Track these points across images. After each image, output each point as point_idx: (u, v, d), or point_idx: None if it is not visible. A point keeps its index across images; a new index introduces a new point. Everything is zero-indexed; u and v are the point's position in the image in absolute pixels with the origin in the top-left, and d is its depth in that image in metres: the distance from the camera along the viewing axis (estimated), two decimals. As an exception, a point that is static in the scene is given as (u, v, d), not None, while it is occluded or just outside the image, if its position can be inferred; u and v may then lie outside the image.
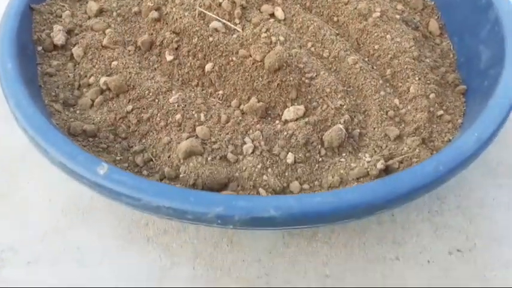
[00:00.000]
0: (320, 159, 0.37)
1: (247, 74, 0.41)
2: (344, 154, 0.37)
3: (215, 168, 0.35)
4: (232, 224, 0.29)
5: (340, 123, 0.38)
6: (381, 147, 0.38)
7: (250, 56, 0.41)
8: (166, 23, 0.45)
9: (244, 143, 0.37)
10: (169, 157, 0.37)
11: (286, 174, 0.36)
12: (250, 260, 0.39)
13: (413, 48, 0.44)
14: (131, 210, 0.38)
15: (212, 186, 0.35)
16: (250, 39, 0.42)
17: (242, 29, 0.43)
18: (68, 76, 0.43)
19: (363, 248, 0.41)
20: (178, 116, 0.39)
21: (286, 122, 0.39)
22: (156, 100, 0.40)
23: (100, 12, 0.47)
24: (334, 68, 0.43)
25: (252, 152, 0.37)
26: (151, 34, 0.45)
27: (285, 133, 0.37)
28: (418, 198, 0.33)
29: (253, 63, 0.41)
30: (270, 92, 0.40)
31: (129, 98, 0.40)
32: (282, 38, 0.42)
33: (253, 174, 0.35)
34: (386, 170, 0.36)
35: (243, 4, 0.44)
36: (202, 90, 0.42)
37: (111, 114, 0.40)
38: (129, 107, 0.40)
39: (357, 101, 0.42)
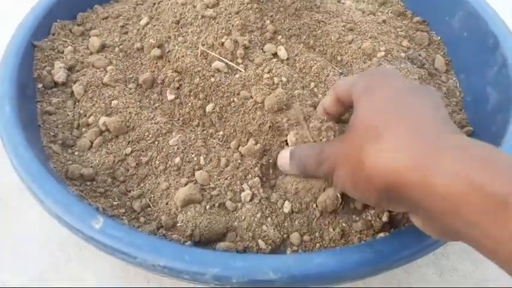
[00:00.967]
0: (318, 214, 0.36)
1: (247, 115, 0.40)
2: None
3: (213, 218, 0.35)
4: (230, 285, 0.28)
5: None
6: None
7: (252, 97, 0.41)
8: (169, 61, 0.44)
9: (243, 189, 0.36)
10: (167, 204, 0.36)
11: (286, 224, 0.35)
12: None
13: (418, 89, 0.43)
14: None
15: (210, 237, 0.34)
16: (252, 80, 0.42)
17: (245, 69, 0.42)
18: (68, 115, 0.42)
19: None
20: (177, 160, 0.39)
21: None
22: (156, 142, 0.40)
23: (102, 47, 0.47)
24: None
25: (251, 200, 0.36)
26: (153, 72, 0.45)
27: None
28: (425, 255, 0.32)
29: (253, 105, 0.40)
30: (266, 134, 0.39)
31: (128, 140, 0.40)
32: (284, 79, 0.42)
33: (252, 224, 0.35)
34: (391, 222, 0.35)
35: (245, 44, 0.43)
36: (203, 130, 0.41)
37: (110, 156, 0.39)
38: (128, 149, 0.39)
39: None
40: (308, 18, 0.46)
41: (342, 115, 0.38)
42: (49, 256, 0.41)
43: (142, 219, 0.36)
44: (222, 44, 0.43)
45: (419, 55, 0.49)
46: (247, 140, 0.39)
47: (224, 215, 0.35)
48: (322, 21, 0.46)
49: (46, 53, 0.45)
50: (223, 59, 0.43)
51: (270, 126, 0.39)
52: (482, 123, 0.43)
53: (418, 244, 0.30)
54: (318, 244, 0.34)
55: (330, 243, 0.34)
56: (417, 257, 0.31)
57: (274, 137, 0.39)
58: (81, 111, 0.42)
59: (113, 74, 0.44)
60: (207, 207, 0.35)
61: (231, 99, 0.41)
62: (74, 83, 0.44)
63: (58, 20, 0.49)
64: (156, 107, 0.43)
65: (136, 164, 0.39)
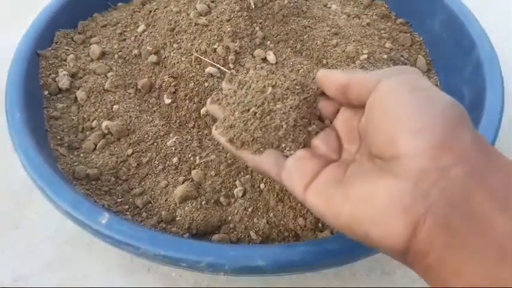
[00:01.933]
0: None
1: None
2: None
3: (209, 212, 0.38)
4: (223, 271, 0.32)
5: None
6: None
7: (243, 100, 0.44)
8: (165, 67, 0.47)
9: (236, 186, 0.40)
10: (166, 200, 0.40)
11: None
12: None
13: (399, 89, 0.46)
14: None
15: (206, 230, 0.38)
16: (244, 84, 0.45)
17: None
18: (72, 119, 0.45)
19: (353, 279, 0.43)
20: (175, 160, 0.42)
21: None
22: (155, 144, 0.43)
23: (102, 55, 0.50)
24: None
25: (243, 195, 0.39)
26: (151, 77, 0.48)
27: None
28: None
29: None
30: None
31: (129, 142, 0.43)
32: (273, 82, 0.45)
33: (244, 218, 0.38)
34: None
35: (236, 50, 0.46)
36: (198, 132, 0.45)
37: (113, 157, 0.42)
38: (130, 151, 0.43)
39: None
40: (295, 24, 0.49)
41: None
42: (57, 249, 0.44)
43: (144, 215, 0.39)
44: (215, 50, 0.46)
45: (402, 56, 0.52)
46: None
47: (218, 210, 0.39)
48: (309, 27, 0.49)
49: (50, 61, 0.48)
50: (216, 65, 0.46)
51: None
52: (458, 120, 0.46)
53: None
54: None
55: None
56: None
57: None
58: (85, 116, 0.45)
59: (113, 80, 0.47)
60: (203, 202, 0.39)
61: (224, 102, 0.44)
62: (77, 89, 0.47)
63: (60, 29, 0.51)
64: (154, 111, 0.46)
65: (137, 164, 0.42)
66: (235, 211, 0.38)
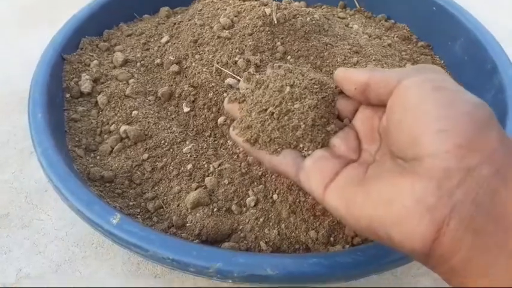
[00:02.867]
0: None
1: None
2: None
3: (220, 220, 0.38)
4: (231, 279, 0.31)
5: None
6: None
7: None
8: (186, 76, 0.48)
9: (248, 195, 0.39)
10: (178, 206, 0.39)
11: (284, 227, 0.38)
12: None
13: (418, 109, 0.46)
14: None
15: (216, 237, 0.37)
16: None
17: (255, 86, 0.46)
18: (92, 122, 0.46)
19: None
20: (189, 166, 0.42)
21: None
22: (171, 150, 0.43)
23: (125, 62, 0.51)
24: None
25: (255, 205, 0.39)
26: (171, 86, 0.48)
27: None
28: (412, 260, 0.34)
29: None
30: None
31: (145, 147, 0.43)
32: (291, 96, 0.45)
33: (255, 228, 0.37)
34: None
35: (257, 63, 0.47)
36: (214, 140, 0.45)
37: (128, 161, 0.42)
38: (145, 156, 0.43)
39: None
40: (316, 41, 0.49)
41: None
42: (66, 251, 0.45)
43: (155, 219, 0.39)
44: (235, 62, 0.47)
45: (422, 78, 0.52)
46: None
47: (230, 218, 0.38)
48: (330, 44, 0.50)
49: (74, 66, 0.49)
50: (236, 76, 0.46)
51: None
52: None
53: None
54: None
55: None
56: (405, 262, 0.33)
57: None
58: (104, 120, 0.46)
59: (134, 86, 0.48)
60: (215, 210, 0.38)
61: (241, 112, 0.44)
62: (99, 94, 0.48)
63: (86, 36, 0.53)
64: (172, 118, 0.47)
65: (152, 168, 0.42)
66: (247, 220, 0.38)
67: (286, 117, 0.30)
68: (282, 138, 0.29)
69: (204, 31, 0.51)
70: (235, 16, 0.50)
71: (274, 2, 0.51)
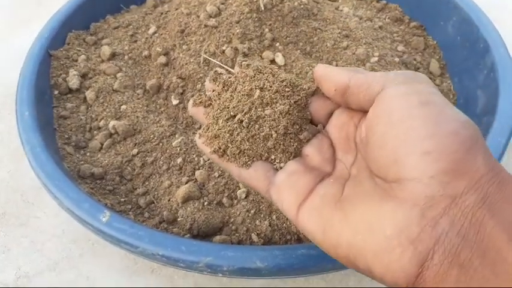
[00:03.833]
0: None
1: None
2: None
3: (210, 213, 0.38)
4: (221, 272, 0.31)
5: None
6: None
7: (250, 101, 0.44)
8: (174, 68, 0.48)
9: (239, 187, 0.39)
10: (169, 200, 0.39)
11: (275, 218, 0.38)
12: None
13: (409, 92, 0.45)
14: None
15: (207, 231, 0.37)
16: (251, 85, 0.44)
17: (243, 75, 0.45)
18: (81, 119, 0.46)
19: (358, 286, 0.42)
20: (179, 160, 0.42)
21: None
22: (160, 144, 0.43)
23: (113, 56, 0.50)
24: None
25: (246, 197, 0.39)
26: (159, 78, 0.48)
27: None
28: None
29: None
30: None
31: (135, 142, 0.43)
32: (281, 84, 0.44)
33: (246, 220, 0.37)
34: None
35: (245, 51, 0.46)
36: (205, 133, 0.44)
37: (118, 157, 0.42)
38: (135, 151, 0.43)
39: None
40: (305, 26, 0.48)
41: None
42: (64, 249, 0.45)
43: (146, 214, 0.39)
44: (223, 51, 0.46)
45: (414, 59, 0.51)
46: None
47: (221, 211, 0.38)
48: (319, 29, 0.49)
49: (61, 62, 0.49)
50: (224, 66, 0.46)
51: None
52: (472, 125, 0.45)
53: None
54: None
55: None
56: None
57: None
58: (93, 116, 0.46)
59: (122, 80, 0.47)
60: (205, 203, 0.38)
61: (230, 103, 0.44)
62: (87, 89, 0.47)
63: (73, 30, 0.52)
64: (161, 111, 0.46)
65: (142, 164, 0.42)
66: (238, 213, 0.38)
67: (256, 126, 0.27)
68: (252, 149, 0.27)
69: (191, 20, 0.50)
70: (222, 3, 0.50)
71: (261, -13, 0.50)
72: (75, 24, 0.53)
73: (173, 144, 0.43)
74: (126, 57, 0.51)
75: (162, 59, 0.48)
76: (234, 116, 0.28)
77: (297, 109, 0.28)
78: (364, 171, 0.25)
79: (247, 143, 0.27)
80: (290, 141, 0.28)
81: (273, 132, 0.27)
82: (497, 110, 0.40)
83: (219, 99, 0.30)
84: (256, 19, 0.48)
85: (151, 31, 0.52)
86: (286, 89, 0.28)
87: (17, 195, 0.49)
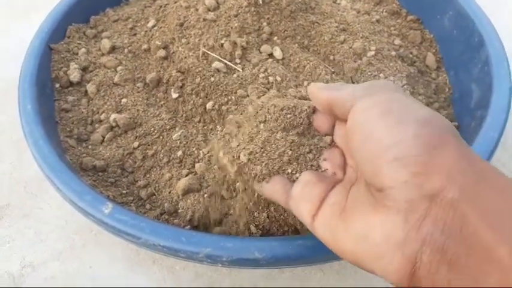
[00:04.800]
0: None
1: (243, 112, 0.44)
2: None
3: (210, 205, 0.39)
4: (221, 263, 0.32)
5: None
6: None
7: (248, 95, 0.44)
8: (173, 61, 0.48)
9: (237, 180, 0.40)
10: (169, 193, 0.40)
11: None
12: (247, 284, 0.42)
13: (405, 86, 0.46)
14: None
15: (207, 222, 0.38)
16: (249, 79, 0.45)
17: (242, 69, 0.46)
18: (82, 112, 0.46)
19: (353, 277, 0.43)
20: (179, 153, 0.43)
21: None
22: (161, 137, 0.44)
23: (113, 49, 0.51)
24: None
25: (245, 189, 0.40)
26: (159, 71, 0.48)
27: None
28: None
29: (249, 103, 0.44)
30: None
31: (136, 135, 0.44)
32: (278, 78, 0.45)
33: (245, 212, 0.38)
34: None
35: (243, 45, 0.46)
36: (204, 126, 0.45)
37: (120, 150, 0.43)
38: (136, 144, 0.43)
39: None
40: (303, 20, 0.49)
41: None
42: (67, 239, 0.46)
43: (148, 206, 0.40)
44: (222, 45, 0.47)
45: (411, 53, 0.52)
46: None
47: (220, 203, 0.39)
48: (317, 22, 0.49)
49: (62, 55, 0.49)
50: (223, 60, 0.46)
51: None
52: (465, 119, 0.46)
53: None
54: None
55: None
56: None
57: None
58: (94, 109, 0.46)
59: (122, 74, 0.48)
60: (205, 195, 0.39)
61: (229, 97, 0.45)
62: (88, 83, 0.48)
63: (73, 24, 0.53)
64: (161, 105, 0.47)
65: (143, 156, 0.43)
66: (237, 205, 0.39)
67: (269, 148, 0.30)
68: (268, 169, 0.30)
69: (190, 13, 0.50)
70: (221, -3, 0.50)
71: (259, -19, 0.50)
72: (75, 17, 0.53)
73: (173, 137, 0.44)
74: (126, 50, 0.51)
75: (162, 53, 0.49)
76: (250, 152, 0.31)
77: (301, 131, 0.31)
78: (362, 178, 0.26)
79: (265, 168, 0.30)
80: (303, 158, 0.30)
81: (287, 150, 0.30)
82: (490, 104, 0.41)
83: (234, 138, 0.33)
84: (254, 13, 0.48)
85: (150, 24, 0.53)
86: (288, 116, 0.31)
87: (20, 187, 0.50)
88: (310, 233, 0.36)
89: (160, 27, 0.52)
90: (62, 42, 0.50)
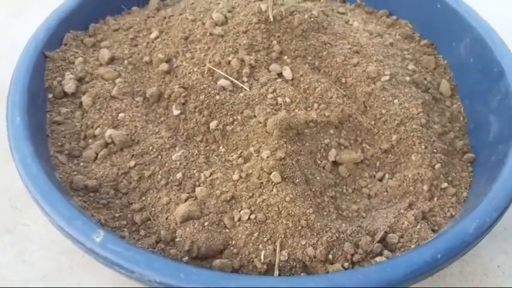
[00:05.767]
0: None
1: (250, 134, 0.41)
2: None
3: (211, 235, 0.35)
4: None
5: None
6: (381, 218, 0.38)
7: (255, 116, 0.42)
8: (176, 76, 0.45)
9: (242, 208, 0.37)
10: (167, 219, 0.37)
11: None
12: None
13: (421, 114, 0.44)
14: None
15: (207, 253, 0.35)
16: (257, 99, 0.43)
17: (249, 88, 0.43)
18: (75, 125, 0.43)
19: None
20: (179, 175, 0.39)
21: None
22: (159, 157, 0.41)
23: (112, 60, 0.48)
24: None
25: (249, 219, 0.37)
26: (160, 86, 0.46)
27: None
28: (414, 284, 0.32)
29: (256, 124, 0.41)
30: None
31: (132, 153, 0.41)
32: (287, 100, 0.43)
33: (249, 243, 0.35)
34: (384, 242, 0.36)
35: (251, 63, 0.44)
36: (206, 146, 0.42)
37: (114, 169, 0.40)
38: (132, 163, 0.40)
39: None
40: (315, 40, 0.47)
41: None
42: (53, 260, 0.42)
43: (142, 232, 0.37)
44: (229, 62, 0.44)
45: (425, 79, 0.50)
46: (247, 158, 0.40)
47: (222, 232, 0.36)
48: (329, 43, 0.47)
49: (57, 64, 0.46)
50: (229, 77, 0.44)
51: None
52: (484, 151, 0.43)
53: (406, 272, 0.30)
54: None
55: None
56: (405, 284, 0.31)
57: None
58: (89, 123, 0.43)
59: (121, 86, 0.45)
60: (206, 224, 0.36)
61: (235, 117, 0.42)
62: (83, 94, 0.45)
63: (71, 31, 0.50)
64: (161, 121, 0.44)
65: (139, 177, 0.40)
66: (240, 235, 0.36)
67: None
68: None
69: (196, 27, 0.48)
70: (229, 12, 0.48)
71: (270, -4, 0.48)
72: (74, 24, 0.51)
73: (173, 157, 0.40)
74: (125, 61, 0.48)
75: (164, 66, 0.46)
76: None
77: None
78: None
79: None
80: None
81: None
82: (512, 141, 0.39)
83: None
84: (264, 30, 0.46)
85: (153, 36, 0.50)
86: None
87: (5, 200, 0.46)
88: (321, 270, 0.33)
89: (164, 40, 0.49)
90: (58, 50, 0.47)
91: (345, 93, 0.45)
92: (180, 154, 0.41)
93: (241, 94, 0.43)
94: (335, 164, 0.42)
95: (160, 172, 0.40)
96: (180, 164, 0.40)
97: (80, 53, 0.49)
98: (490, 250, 0.44)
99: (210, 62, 0.45)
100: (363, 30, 0.52)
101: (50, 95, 0.44)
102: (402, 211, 0.38)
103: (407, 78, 0.47)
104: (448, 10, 0.52)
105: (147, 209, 0.38)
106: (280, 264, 0.34)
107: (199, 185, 0.39)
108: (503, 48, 0.46)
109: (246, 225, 0.36)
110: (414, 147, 0.42)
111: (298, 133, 0.41)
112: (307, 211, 0.36)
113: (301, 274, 0.34)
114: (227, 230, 0.36)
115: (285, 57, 0.46)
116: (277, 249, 0.35)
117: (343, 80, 0.46)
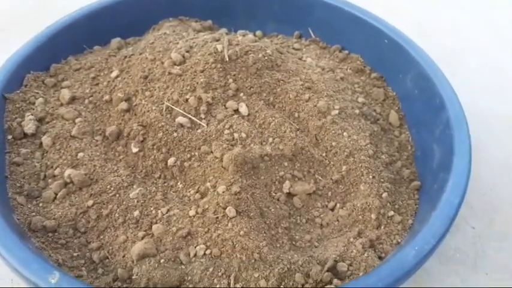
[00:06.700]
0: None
1: (207, 169, 0.43)
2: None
3: (167, 271, 0.36)
4: None
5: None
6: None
7: (212, 152, 0.43)
8: (135, 114, 0.47)
9: (198, 243, 0.38)
10: (123, 256, 0.38)
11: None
12: None
13: (369, 145, 0.46)
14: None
15: (163, 290, 0.36)
16: (214, 135, 0.44)
17: (207, 124, 0.45)
18: (35, 166, 0.44)
19: None
20: (136, 213, 0.41)
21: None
22: (117, 195, 0.42)
23: (72, 99, 0.49)
24: (292, 165, 0.45)
25: (204, 254, 0.38)
26: (120, 124, 0.47)
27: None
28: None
29: (213, 160, 0.43)
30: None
31: (91, 193, 0.42)
32: (243, 135, 0.44)
33: (204, 278, 0.36)
34: (334, 270, 0.37)
35: (209, 101, 0.46)
36: (164, 182, 0.44)
37: (72, 208, 0.41)
38: (90, 202, 0.41)
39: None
40: (269, 77, 0.49)
41: None
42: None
43: (100, 271, 0.38)
44: (187, 100, 0.46)
45: (374, 110, 0.53)
46: (203, 193, 0.42)
47: (178, 269, 0.37)
48: (282, 80, 0.49)
49: (17, 105, 0.47)
50: (187, 114, 0.45)
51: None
52: (428, 178, 0.46)
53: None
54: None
55: None
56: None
57: None
58: (49, 163, 0.44)
59: (80, 126, 0.46)
60: (162, 261, 0.37)
61: (192, 153, 0.44)
62: (43, 134, 0.46)
63: (31, 72, 0.51)
64: (120, 159, 0.45)
65: (97, 216, 0.41)
66: (195, 271, 0.37)
67: None
68: None
69: (155, 66, 0.49)
70: (187, 51, 0.50)
71: (226, 37, 0.50)
72: (35, 65, 0.52)
73: (130, 195, 0.42)
74: (86, 101, 0.50)
75: (124, 105, 0.47)
76: None
77: None
78: None
79: None
80: None
81: None
82: (451, 169, 0.41)
83: None
84: (220, 69, 0.48)
85: (113, 74, 0.51)
86: None
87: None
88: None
89: (124, 78, 0.50)
90: (18, 91, 0.48)
91: (298, 127, 0.47)
92: (137, 192, 0.42)
93: (199, 131, 0.45)
94: (289, 195, 0.44)
95: (118, 210, 0.41)
96: (137, 201, 0.41)
97: (41, 93, 0.50)
98: (443, 273, 0.46)
99: (168, 100, 0.46)
100: (315, 66, 0.55)
101: (10, 136, 0.45)
102: (352, 239, 0.40)
103: (357, 111, 0.50)
104: (394, 45, 0.56)
105: (104, 248, 0.39)
106: (235, 298, 0.36)
107: (156, 222, 0.40)
108: (443, 82, 0.50)
109: (202, 261, 0.37)
110: (362, 177, 0.44)
111: (254, 167, 0.43)
112: (261, 244, 0.38)
113: (255, 306, 0.35)
114: (183, 266, 0.37)
115: (241, 94, 0.48)
116: (232, 282, 0.36)
117: (296, 114, 0.48)
